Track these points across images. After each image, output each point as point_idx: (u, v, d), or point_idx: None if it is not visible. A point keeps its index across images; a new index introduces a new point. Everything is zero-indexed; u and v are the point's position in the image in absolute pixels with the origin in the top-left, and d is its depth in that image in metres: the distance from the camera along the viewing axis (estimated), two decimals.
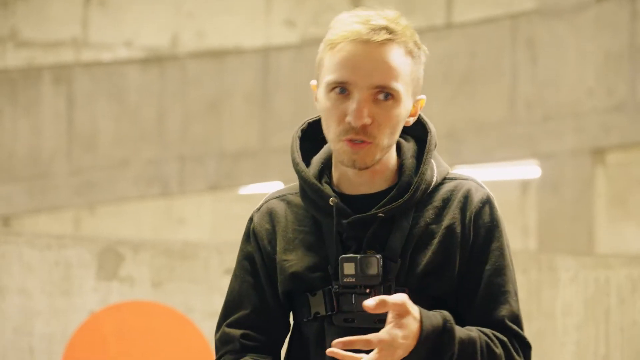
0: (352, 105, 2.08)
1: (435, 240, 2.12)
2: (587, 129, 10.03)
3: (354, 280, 2.07)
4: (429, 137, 2.19)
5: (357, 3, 13.94)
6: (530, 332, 5.29)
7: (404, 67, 2.11)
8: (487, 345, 2.07)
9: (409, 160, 2.17)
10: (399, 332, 1.97)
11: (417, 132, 2.22)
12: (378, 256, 2.09)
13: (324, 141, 2.21)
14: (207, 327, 4.67)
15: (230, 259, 4.78)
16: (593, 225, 9.90)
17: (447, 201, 2.15)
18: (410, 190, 2.13)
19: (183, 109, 11.52)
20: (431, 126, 2.21)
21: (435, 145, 2.20)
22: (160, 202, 13.75)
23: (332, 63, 2.10)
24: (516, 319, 2.13)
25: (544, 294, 5.30)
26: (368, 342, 1.94)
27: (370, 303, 1.95)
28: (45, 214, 12.77)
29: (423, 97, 2.19)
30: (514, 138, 10.41)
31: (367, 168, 2.12)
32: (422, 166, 2.16)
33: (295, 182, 2.25)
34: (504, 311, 2.11)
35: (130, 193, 11.54)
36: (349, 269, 2.08)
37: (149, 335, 4.60)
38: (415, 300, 2.06)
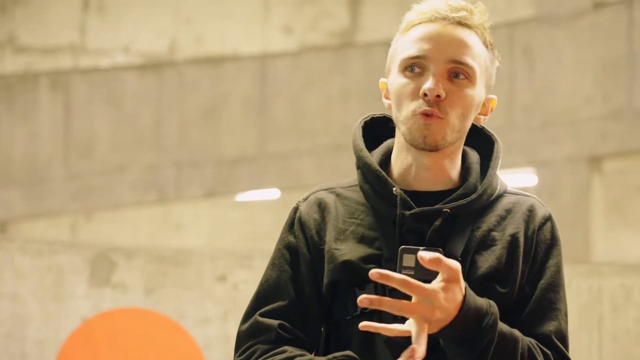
0: (426, 79, 2.03)
1: (498, 247, 2.07)
2: (584, 136, 10.04)
3: (412, 273, 1.95)
4: (495, 146, 2.17)
5: (355, 10, 13.94)
6: None
7: (480, 52, 2.09)
8: (530, 350, 2.01)
9: (475, 166, 2.14)
10: (443, 294, 1.88)
11: (480, 145, 2.19)
12: (441, 251, 1.97)
13: (381, 139, 2.17)
14: (200, 334, 4.67)
15: (224, 266, 4.78)
16: (589, 233, 9.90)
17: (509, 212, 2.12)
18: (478, 191, 2.08)
19: (180, 115, 11.53)
20: (498, 138, 2.19)
21: (500, 160, 2.16)
22: (157, 208, 13.74)
23: (408, 41, 2.07)
24: (563, 339, 2.08)
25: None
26: (408, 284, 1.85)
27: (426, 255, 1.86)
28: (42, 220, 12.77)
29: (494, 96, 2.17)
30: (511, 145, 10.41)
31: (436, 148, 2.05)
32: (489, 170, 2.13)
33: (340, 180, 2.18)
34: (551, 327, 2.07)
35: (127, 199, 11.54)
36: (408, 260, 1.96)
37: (142, 342, 4.60)
38: None
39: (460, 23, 2.07)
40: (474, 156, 2.15)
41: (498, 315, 1.97)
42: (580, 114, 10.08)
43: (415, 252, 1.96)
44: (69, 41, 14.73)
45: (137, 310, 4.64)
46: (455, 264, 1.90)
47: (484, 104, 2.14)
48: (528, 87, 10.36)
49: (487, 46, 2.11)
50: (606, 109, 9.93)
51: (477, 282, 2.03)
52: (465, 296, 1.92)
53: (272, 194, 12.05)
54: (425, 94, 2.03)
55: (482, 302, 1.96)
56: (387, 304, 1.86)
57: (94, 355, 4.56)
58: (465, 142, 2.16)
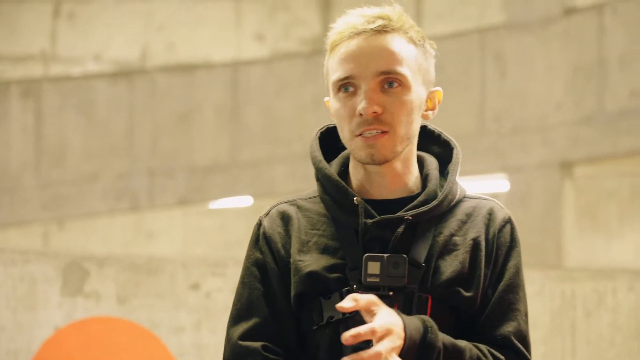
0: (359, 98, 2.05)
1: (461, 251, 2.08)
2: (556, 142, 10.07)
3: (378, 280, 1.99)
4: (454, 152, 2.18)
5: (326, 17, 13.95)
6: None
7: (407, 53, 2.08)
8: (478, 357, 2.02)
9: (434, 172, 2.15)
10: (395, 320, 1.94)
11: (437, 151, 2.20)
12: (405, 257, 2.02)
13: (339, 148, 2.17)
14: (173, 343, 4.66)
15: (197, 274, 4.77)
16: (561, 239, 9.94)
17: (470, 216, 2.13)
18: (439, 197, 2.09)
19: (153, 122, 11.51)
20: (455, 143, 2.20)
21: (459, 166, 2.17)
22: (130, 217, 13.71)
23: (334, 63, 2.08)
24: (523, 339, 2.10)
25: None
26: (373, 331, 1.89)
27: (344, 304, 1.92)
28: (14, 229, 12.72)
29: (438, 88, 2.16)
30: (482, 151, 10.44)
31: (386, 162, 2.07)
32: (449, 176, 2.14)
33: (299, 192, 2.19)
34: (510, 327, 2.08)
35: (99, 207, 11.51)
36: (373, 268, 2.00)
37: (115, 351, 4.58)
38: (437, 308, 2.04)
39: (380, 32, 2.07)
40: (432, 162, 2.16)
41: (437, 327, 1.99)
42: (551, 119, 10.11)
43: (379, 259, 1.99)
44: (39, 49, 14.68)
45: (111, 319, 4.62)
46: (367, 296, 1.93)
47: (429, 99, 2.13)
48: (499, 93, 10.40)
49: (415, 43, 2.10)
50: (577, 115, 9.97)
51: (441, 287, 2.04)
52: (402, 318, 1.96)
53: (245, 201, 12.04)
54: (360, 114, 2.04)
55: (415, 320, 1.98)
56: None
57: None
58: (424, 147, 2.18)
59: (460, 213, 2.12)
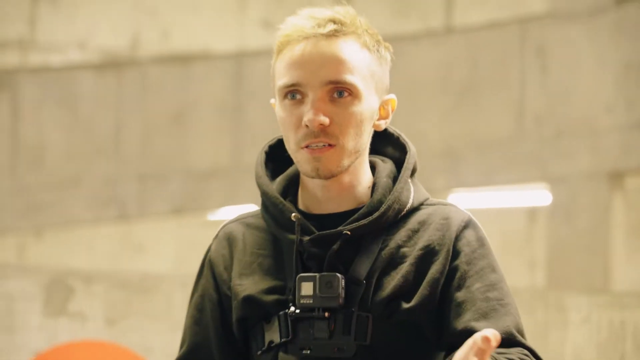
0: (306, 107, 2.13)
1: (406, 264, 2.16)
2: (605, 149, 10.09)
3: (311, 302, 2.10)
4: (407, 157, 2.25)
5: (340, 1, 13.99)
6: None
7: (359, 60, 2.16)
8: None
9: (384, 180, 2.22)
10: None
11: (397, 154, 2.27)
12: (340, 276, 2.11)
13: (288, 164, 2.28)
14: None
15: None
16: (610, 259, 9.95)
17: (423, 224, 2.20)
18: (381, 209, 2.17)
19: (144, 120, 11.54)
20: (411, 146, 2.26)
21: (415, 169, 2.25)
22: (117, 227, 13.75)
23: (281, 67, 2.18)
24: (522, 331, 2.17)
25: (552, 336, 5.34)
26: None
27: (488, 333, 1.94)
28: None
29: (392, 96, 2.24)
30: (521, 158, 10.46)
31: (333, 176, 2.16)
32: (396, 185, 2.21)
33: (250, 211, 2.31)
34: (509, 322, 2.15)
35: (82, 216, 11.54)
36: (306, 289, 2.10)
37: None
38: (380, 327, 2.12)
39: (331, 36, 2.15)
40: (383, 170, 2.23)
41: None
42: (600, 123, 10.13)
43: (312, 279, 2.09)
44: (16, 35, 14.74)
45: (98, 344, 4.66)
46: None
47: (381, 108, 2.21)
48: (541, 92, 10.42)
49: (369, 48, 2.18)
50: (629, 118, 9.98)
51: (381, 303, 2.12)
52: None
53: (248, 209, 12.07)
54: (306, 125, 2.12)
55: None
56: None
57: None
58: (381, 151, 2.26)
59: (412, 222, 2.20)
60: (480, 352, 1.88)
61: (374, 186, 2.21)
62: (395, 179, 2.23)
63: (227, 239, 2.26)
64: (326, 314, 2.11)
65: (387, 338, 2.13)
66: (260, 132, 11.04)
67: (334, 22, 2.16)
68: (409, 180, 2.23)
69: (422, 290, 2.15)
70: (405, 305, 2.13)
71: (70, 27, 14.78)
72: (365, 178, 2.21)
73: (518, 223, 13.72)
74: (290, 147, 2.17)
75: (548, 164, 10.34)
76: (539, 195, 11.94)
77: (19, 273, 4.65)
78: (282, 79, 2.16)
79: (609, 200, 10.06)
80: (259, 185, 2.23)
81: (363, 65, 2.15)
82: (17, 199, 11.43)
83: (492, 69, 10.57)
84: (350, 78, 2.13)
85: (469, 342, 1.91)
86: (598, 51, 10.16)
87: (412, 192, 2.23)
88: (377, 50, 2.19)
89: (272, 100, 2.21)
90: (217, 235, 2.29)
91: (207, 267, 2.26)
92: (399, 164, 2.26)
